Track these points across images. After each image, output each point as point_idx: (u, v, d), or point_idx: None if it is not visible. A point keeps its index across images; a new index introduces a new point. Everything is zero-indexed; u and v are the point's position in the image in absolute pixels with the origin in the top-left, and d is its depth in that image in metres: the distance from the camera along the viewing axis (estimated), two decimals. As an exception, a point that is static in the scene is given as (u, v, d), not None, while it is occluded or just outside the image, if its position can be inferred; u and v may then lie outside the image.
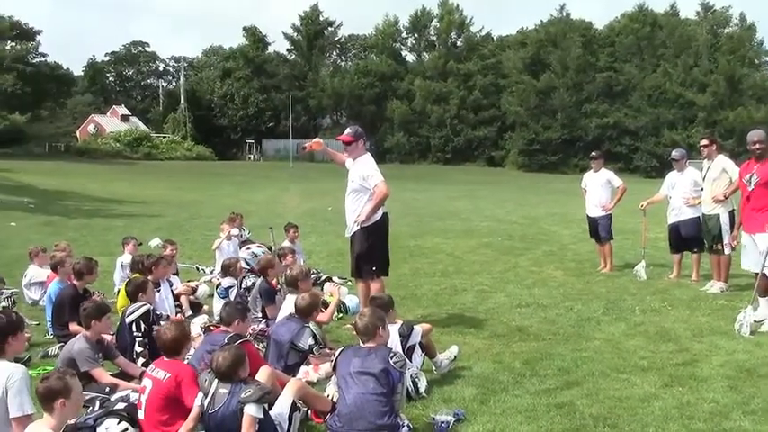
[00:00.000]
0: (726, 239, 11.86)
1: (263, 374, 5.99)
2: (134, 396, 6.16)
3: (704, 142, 12.47)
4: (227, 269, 10.69)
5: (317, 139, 10.26)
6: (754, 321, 9.55)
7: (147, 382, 5.92)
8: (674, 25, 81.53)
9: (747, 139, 10.01)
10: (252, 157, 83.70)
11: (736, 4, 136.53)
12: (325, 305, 9.10)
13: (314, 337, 7.41)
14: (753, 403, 6.59)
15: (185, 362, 6.27)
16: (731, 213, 11.96)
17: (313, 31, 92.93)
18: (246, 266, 10.56)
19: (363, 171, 9.39)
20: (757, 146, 9.79)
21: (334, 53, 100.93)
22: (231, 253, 13.00)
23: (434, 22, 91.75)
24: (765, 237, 9.56)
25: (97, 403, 6.20)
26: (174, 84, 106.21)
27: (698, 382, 7.22)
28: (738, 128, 67.12)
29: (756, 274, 9.75)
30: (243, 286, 10.13)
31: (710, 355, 8.20)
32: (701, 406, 6.53)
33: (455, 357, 7.74)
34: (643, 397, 6.79)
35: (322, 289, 11.00)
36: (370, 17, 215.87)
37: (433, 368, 7.56)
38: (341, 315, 10.01)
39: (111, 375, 6.90)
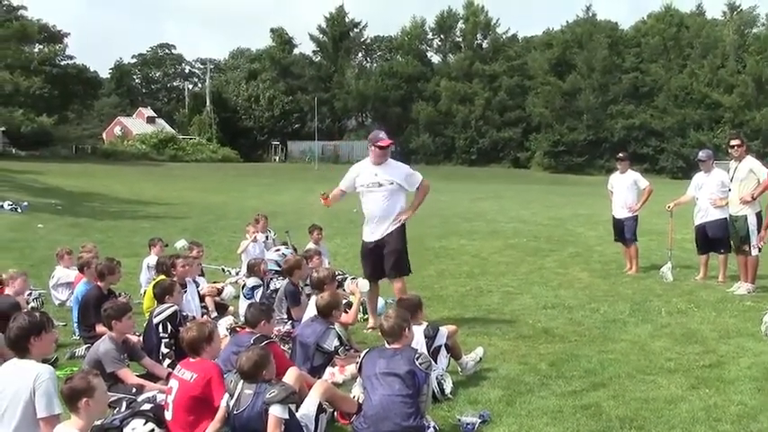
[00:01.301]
0: (753, 240, 11.79)
1: (290, 376, 6.02)
2: (160, 397, 6.22)
3: (736, 142, 12.39)
4: (252, 269, 10.73)
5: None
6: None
7: (173, 383, 5.96)
8: (700, 25, 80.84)
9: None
10: (277, 158, 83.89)
11: (763, 4, 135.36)
12: (349, 306, 9.11)
13: (339, 338, 7.43)
14: (780, 405, 6.55)
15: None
16: (759, 214, 11.89)
17: (338, 33, 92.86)
18: (276, 268, 10.60)
19: (403, 171, 9.83)
20: None
21: (360, 54, 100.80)
22: (257, 255, 13.05)
23: (460, 24, 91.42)
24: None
25: (124, 404, 6.25)
26: (199, 86, 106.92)
27: (725, 384, 7.18)
28: (765, 128, 66.65)
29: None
30: (271, 288, 10.18)
31: (737, 357, 8.15)
32: (728, 408, 6.49)
33: (480, 359, 7.74)
34: (669, 399, 6.76)
35: (342, 289, 10.97)
36: (396, 18, 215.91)
37: (459, 369, 7.56)
38: (366, 316, 10.01)
39: (137, 376, 6.96)
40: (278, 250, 11.16)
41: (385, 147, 9.74)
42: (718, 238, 12.93)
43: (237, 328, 8.41)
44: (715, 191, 12.91)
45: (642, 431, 6.06)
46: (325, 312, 7.59)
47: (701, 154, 13.62)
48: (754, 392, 6.91)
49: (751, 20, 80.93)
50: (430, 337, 7.33)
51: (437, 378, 6.81)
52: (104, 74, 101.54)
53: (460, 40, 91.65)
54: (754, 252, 11.88)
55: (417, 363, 6.04)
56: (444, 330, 7.53)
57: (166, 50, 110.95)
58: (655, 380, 7.36)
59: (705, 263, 13.38)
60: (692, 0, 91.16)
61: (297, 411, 5.66)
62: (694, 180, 13.55)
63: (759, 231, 11.48)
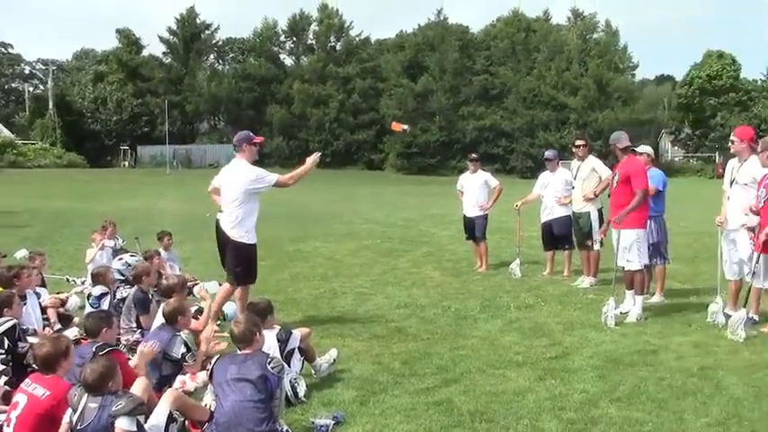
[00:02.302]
0: (595, 236, 12.29)
1: (138, 387, 5.82)
2: (-3, 415, 5.87)
3: (581, 143, 12.93)
4: (98, 278, 10.33)
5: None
6: (620, 313, 9.98)
7: (20, 398, 5.60)
8: (547, 30, 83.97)
9: (610, 140, 10.49)
10: (126, 163, 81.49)
11: (601, 11, 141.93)
12: (200, 312, 8.94)
13: (186, 345, 7.27)
14: (619, 391, 6.89)
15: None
16: (600, 211, 12.41)
17: (189, 34, 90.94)
18: (121, 277, 10.29)
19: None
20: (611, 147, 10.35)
21: (212, 56, 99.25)
22: (105, 263, 12.60)
23: (313, 26, 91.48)
24: (628, 233, 10.00)
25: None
26: (41, 88, 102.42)
27: (569, 373, 7.47)
28: (606, 129, 69.61)
29: (622, 268, 10.20)
30: (117, 297, 9.85)
31: (581, 348, 8.50)
32: (572, 396, 6.75)
33: (334, 360, 7.74)
34: (518, 391, 6.96)
35: (193, 295, 10.70)
36: (248, 20, 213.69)
37: (313, 372, 7.53)
38: (219, 321, 9.83)
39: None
40: (120, 259, 10.82)
41: (260, 143, 9.91)
42: (564, 235, 13.43)
43: (82, 340, 8.10)
44: (560, 189, 13.39)
45: (492, 423, 6.20)
46: (171, 319, 7.42)
47: (548, 153, 14.14)
48: (596, 380, 7.22)
49: (592, 26, 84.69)
50: (283, 340, 7.29)
51: (290, 381, 6.77)
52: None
53: (314, 42, 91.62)
54: (596, 247, 12.41)
55: (269, 367, 5.98)
56: (297, 333, 7.50)
57: (2, 50, 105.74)
58: (504, 373, 7.55)
59: (551, 259, 13.87)
60: (540, 6, 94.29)
61: (145, 423, 5.49)
62: (540, 179, 14.03)
63: (601, 227, 11.98)
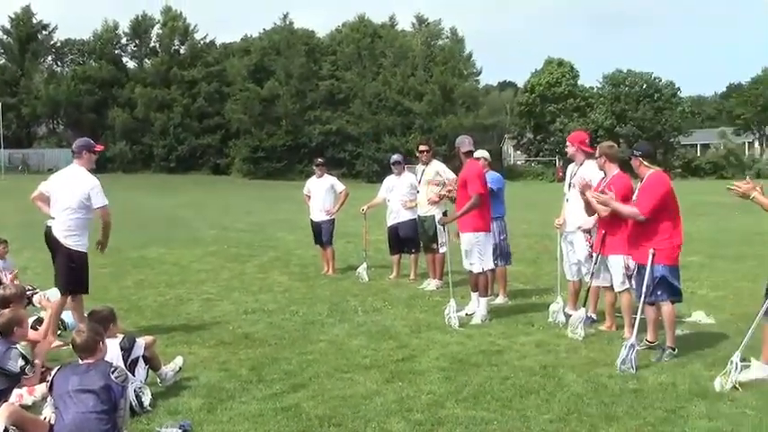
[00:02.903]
0: (441, 239, 12.55)
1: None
2: None
3: (424, 148, 13.17)
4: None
5: None
6: (466, 315, 10.26)
7: None
8: (392, 36, 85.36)
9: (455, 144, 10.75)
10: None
11: (447, 18, 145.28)
12: (40, 322, 8.57)
13: (23, 357, 6.96)
14: (465, 391, 7.04)
15: None
16: (445, 214, 12.67)
17: (25, 34, 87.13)
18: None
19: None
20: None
21: (50, 58, 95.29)
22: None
23: (156, 29, 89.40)
24: (468, 236, 10.28)
25: None
26: None
27: (416, 375, 7.59)
28: (451, 134, 71.29)
29: (470, 271, 10.48)
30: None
31: (428, 350, 8.65)
32: (420, 398, 6.86)
33: (180, 368, 7.60)
34: (366, 394, 7.02)
35: (32, 304, 10.24)
36: (88, 22, 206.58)
37: (158, 381, 7.37)
38: (60, 332, 9.46)
39: None
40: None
41: (100, 151, 9.65)
42: (410, 238, 13.67)
43: None
44: (405, 193, 13.62)
45: (340, 428, 6.23)
46: (6, 331, 7.09)
47: (394, 157, 14.38)
48: (443, 381, 7.36)
49: (437, 32, 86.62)
50: (126, 349, 7.08)
51: (135, 391, 6.59)
52: None
53: (157, 45, 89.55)
54: (442, 250, 12.66)
55: (113, 377, 5.81)
56: (141, 341, 7.31)
57: None
58: (352, 377, 7.60)
59: (397, 262, 14.08)
60: (385, 11, 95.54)
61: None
62: (385, 182, 14.23)
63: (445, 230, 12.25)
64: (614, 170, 9.25)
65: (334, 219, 14.78)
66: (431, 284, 12.83)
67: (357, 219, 16.18)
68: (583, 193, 9.18)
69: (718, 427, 6.11)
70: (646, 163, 8.42)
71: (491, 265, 10.61)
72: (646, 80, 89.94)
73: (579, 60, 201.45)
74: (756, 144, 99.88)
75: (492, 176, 11.31)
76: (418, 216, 13.18)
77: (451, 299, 10.16)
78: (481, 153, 11.50)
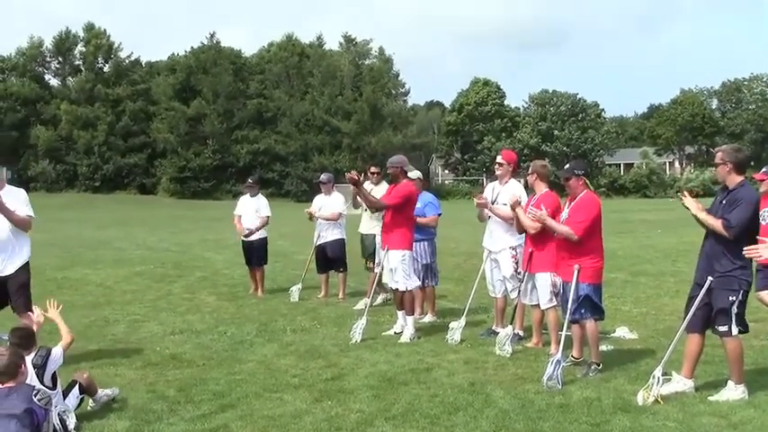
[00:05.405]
0: (377, 258, 12.54)
1: None
2: None
3: (375, 170, 12.91)
4: None
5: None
6: (394, 333, 10.32)
7: None
8: (320, 56, 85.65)
9: (387, 163, 10.76)
10: None
11: (377, 38, 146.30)
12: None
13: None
14: (393, 409, 7.06)
15: None
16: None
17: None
18: None
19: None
20: (389, 170, 10.62)
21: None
22: None
23: (80, 46, 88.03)
24: (394, 254, 10.31)
25: None
26: None
27: (345, 394, 7.58)
28: (380, 152, 71.69)
29: (395, 290, 10.53)
30: None
31: (357, 368, 8.65)
32: (349, 417, 6.86)
33: (114, 398, 7.44)
34: (295, 414, 6.99)
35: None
36: (10, 38, 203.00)
37: (90, 404, 7.22)
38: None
39: None
40: None
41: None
42: (338, 258, 13.69)
43: None
44: (337, 212, 13.67)
45: (269, 447, 6.22)
46: None
47: (323, 177, 14.38)
48: (372, 400, 7.37)
49: (365, 52, 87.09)
50: (40, 366, 6.75)
51: (59, 414, 6.45)
52: None
53: (81, 62, 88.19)
54: (377, 270, 12.61)
55: (35, 399, 5.72)
56: (59, 351, 7.01)
57: None
58: (281, 397, 7.57)
59: (326, 281, 14.06)
60: (313, 31, 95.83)
61: None
62: (315, 202, 14.22)
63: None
64: (543, 188, 9.42)
65: (266, 238, 14.69)
66: (361, 303, 12.69)
67: (286, 238, 16.16)
68: (513, 209, 9.31)
69: (640, 439, 6.26)
70: (587, 182, 8.57)
71: (417, 283, 10.69)
72: (571, 100, 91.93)
73: (505, 81, 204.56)
74: (677, 164, 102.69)
75: (426, 199, 11.46)
76: (361, 234, 13.15)
77: (365, 317, 10.34)
78: (415, 174, 11.56)
